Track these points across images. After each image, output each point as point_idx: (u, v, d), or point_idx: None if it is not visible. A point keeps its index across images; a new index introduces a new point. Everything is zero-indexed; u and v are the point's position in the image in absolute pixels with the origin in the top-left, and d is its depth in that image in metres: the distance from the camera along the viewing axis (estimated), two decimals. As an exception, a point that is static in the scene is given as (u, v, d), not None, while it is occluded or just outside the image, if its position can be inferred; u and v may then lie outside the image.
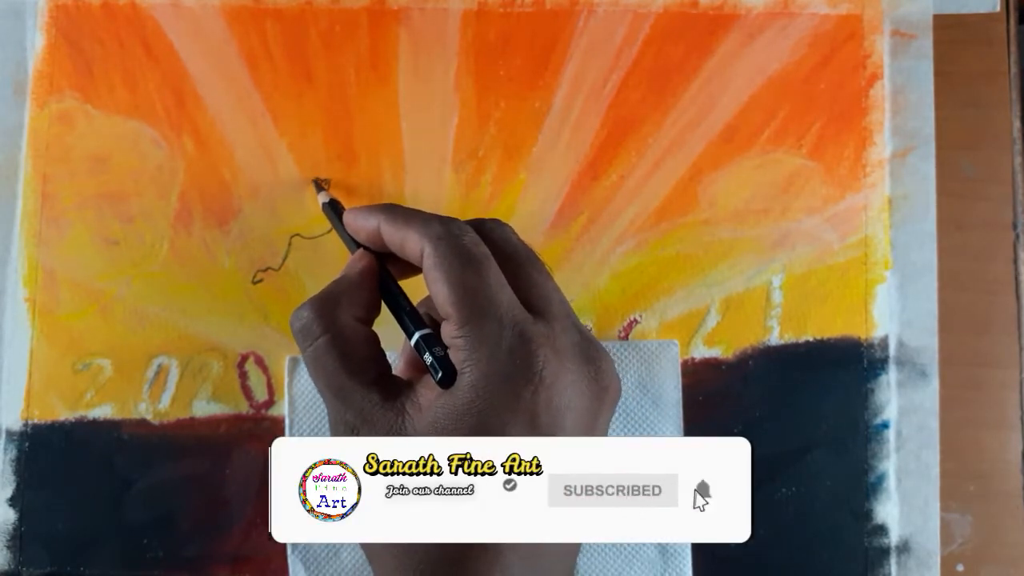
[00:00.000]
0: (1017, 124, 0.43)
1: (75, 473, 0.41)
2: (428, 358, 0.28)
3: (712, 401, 0.41)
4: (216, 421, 0.41)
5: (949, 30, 0.43)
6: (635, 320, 0.42)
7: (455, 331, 0.28)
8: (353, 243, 0.33)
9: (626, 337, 0.42)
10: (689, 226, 0.42)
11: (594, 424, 0.29)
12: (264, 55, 0.43)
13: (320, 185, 0.41)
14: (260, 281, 0.42)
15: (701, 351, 0.42)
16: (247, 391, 0.41)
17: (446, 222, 0.29)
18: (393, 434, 0.28)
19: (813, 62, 0.43)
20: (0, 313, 0.41)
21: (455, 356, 0.28)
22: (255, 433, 0.41)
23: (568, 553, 0.30)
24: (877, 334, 0.42)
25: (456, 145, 0.43)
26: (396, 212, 0.30)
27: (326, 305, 0.30)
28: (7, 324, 0.41)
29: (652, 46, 0.43)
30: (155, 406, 0.41)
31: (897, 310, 0.42)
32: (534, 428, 0.27)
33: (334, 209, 0.38)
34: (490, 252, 0.29)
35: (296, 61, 0.43)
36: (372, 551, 0.29)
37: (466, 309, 0.27)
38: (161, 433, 0.41)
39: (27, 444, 0.41)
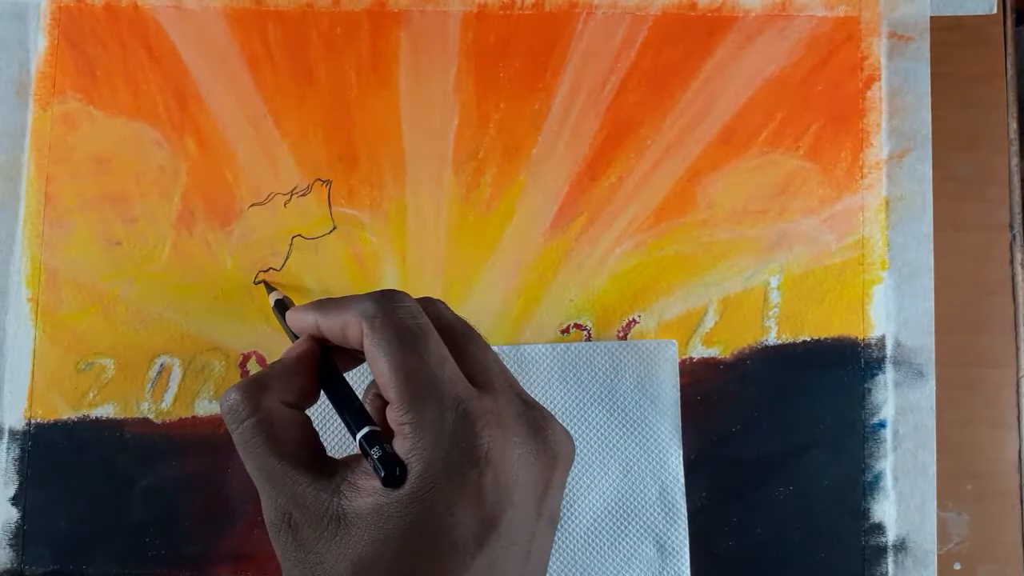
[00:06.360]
0: (1014, 125, 0.43)
1: (78, 472, 0.41)
2: (371, 460, 0.27)
3: (710, 401, 0.42)
4: (218, 420, 0.41)
5: (946, 32, 0.43)
6: (634, 320, 0.42)
7: (399, 416, 0.27)
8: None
9: (625, 337, 0.42)
10: (687, 227, 0.43)
11: (545, 494, 0.28)
12: (266, 57, 0.43)
13: (270, 285, 0.41)
14: (262, 282, 0.42)
15: (699, 351, 0.42)
16: (248, 391, 0.42)
17: (379, 298, 0.29)
18: (328, 517, 0.27)
19: (810, 64, 0.43)
20: (3, 313, 0.42)
21: (400, 444, 0.27)
22: (256, 432, 0.41)
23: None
24: (874, 334, 0.42)
25: (456, 147, 0.43)
26: (328, 304, 0.30)
27: (254, 388, 0.29)
28: (10, 324, 0.42)
29: (650, 48, 0.43)
30: (157, 405, 0.41)
31: (894, 310, 0.42)
32: (481, 508, 0.27)
33: (281, 309, 0.37)
34: (430, 321, 0.28)
35: (297, 63, 0.43)
36: None
37: (407, 393, 0.27)
38: (163, 432, 0.41)
39: (30, 443, 0.41)
